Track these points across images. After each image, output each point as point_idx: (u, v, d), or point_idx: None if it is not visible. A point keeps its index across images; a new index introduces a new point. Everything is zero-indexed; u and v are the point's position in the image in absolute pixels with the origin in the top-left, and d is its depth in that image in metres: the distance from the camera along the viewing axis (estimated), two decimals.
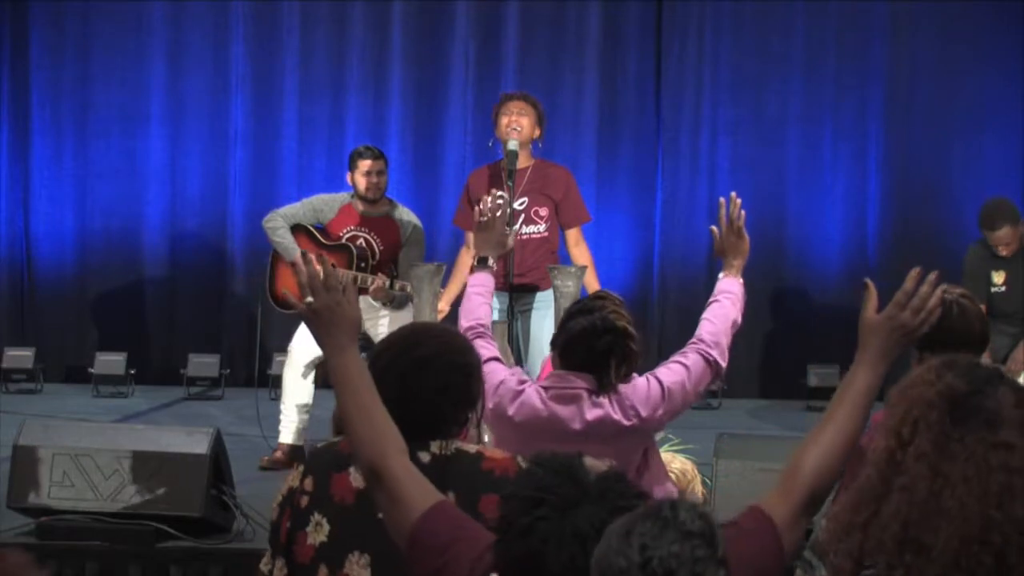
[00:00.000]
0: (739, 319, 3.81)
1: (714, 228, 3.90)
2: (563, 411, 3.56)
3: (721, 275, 3.89)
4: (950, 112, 8.60)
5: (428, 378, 2.75)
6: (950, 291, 3.88)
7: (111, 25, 8.80)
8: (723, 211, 3.86)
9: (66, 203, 8.84)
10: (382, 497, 2.36)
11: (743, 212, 3.85)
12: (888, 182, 8.64)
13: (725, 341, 3.75)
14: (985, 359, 6.29)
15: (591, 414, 3.55)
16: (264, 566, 2.80)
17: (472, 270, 4.14)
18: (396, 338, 2.85)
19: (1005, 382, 2.11)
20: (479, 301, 3.96)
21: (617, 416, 3.55)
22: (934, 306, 2.42)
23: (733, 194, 3.88)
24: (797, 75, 8.66)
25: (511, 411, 3.58)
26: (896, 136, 8.63)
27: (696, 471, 4.96)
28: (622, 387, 3.58)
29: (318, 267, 2.49)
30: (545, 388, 3.60)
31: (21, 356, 8.42)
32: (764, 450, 4.80)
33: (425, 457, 2.72)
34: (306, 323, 2.49)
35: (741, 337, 8.60)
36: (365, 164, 6.60)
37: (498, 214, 4.20)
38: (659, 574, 1.81)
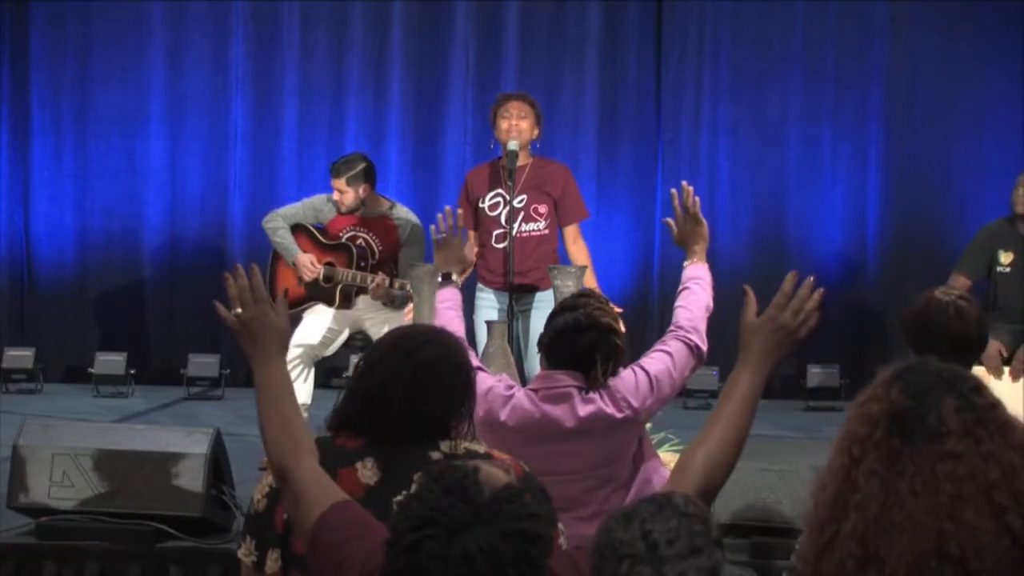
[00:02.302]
0: (711, 303, 3.86)
1: (668, 220, 3.99)
2: (555, 411, 3.57)
3: (686, 263, 3.93)
4: (950, 112, 8.60)
5: (434, 381, 2.78)
6: (948, 292, 3.87)
7: (111, 25, 8.80)
8: (676, 201, 3.93)
9: (66, 203, 8.84)
10: (289, 497, 2.45)
11: (697, 199, 3.93)
12: (888, 182, 8.64)
13: (702, 326, 3.79)
14: (993, 350, 6.28)
15: (583, 410, 3.55)
16: (246, 556, 2.81)
17: (439, 286, 4.22)
18: (393, 344, 2.87)
19: (950, 389, 2.11)
20: (451, 315, 4.05)
21: (610, 410, 3.56)
22: (812, 308, 2.48)
23: (684, 183, 3.94)
24: (797, 75, 8.66)
25: (503, 416, 3.59)
26: (896, 136, 8.63)
27: None
28: (610, 380, 3.60)
29: (246, 280, 2.55)
30: (534, 390, 3.62)
31: (21, 356, 8.42)
32: (764, 450, 4.79)
33: (436, 457, 2.75)
34: (234, 333, 2.54)
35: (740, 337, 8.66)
36: (333, 183, 6.63)
37: (452, 232, 4.27)
38: (660, 544, 1.87)
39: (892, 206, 8.64)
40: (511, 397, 3.61)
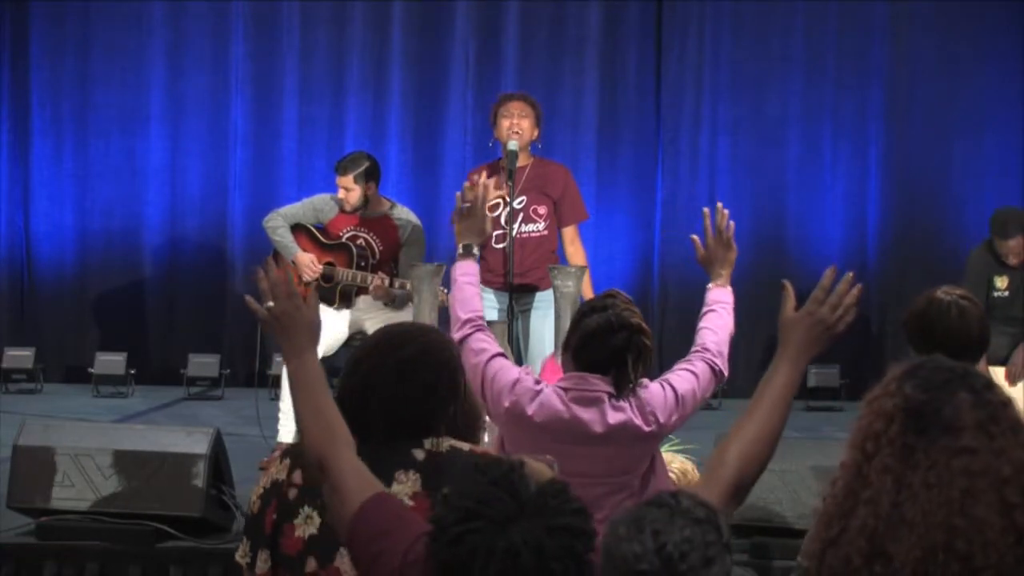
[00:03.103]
0: (733, 329, 3.83)
1: (695, 238, 3.89)
2: (585, 414, 3.54)
3: (711, 284, 3.88)
4: (950, 112, 8.61)
5: (414, 379, 2.78)
6: (950, 292, 3.86)
7: (111, 25, 8.80)
8: (708, 221, 3.85)
9: (66, 203, 8.84)
10: (326, 488, 2.44)
11: (732, 222, 3.84)
12: (888, 182, 8.65)
13: (726, 351, 3.77)
14: (982, 367, 6.29)
15: (613, 418, 3.54)
16: (242, 558, 2.82)
17: (457, 259, 4.09)
18: (375, 343, 2.87)
19: (964, 385, 2.11)
20: (472, 291, 3.92)
21: (638, 421, 3.55)
22: (851, 303, 2.48)
23: (719, 204, 3.88)
24: (797, 75, 8.67)
25: (530, 411, 3.56)
26: (896, 136, 8.63)
27: (696, 471, 4.96)
28: (641, 393, 3.58)
29: (279, 273, 2.56)
30: (564, 389, 3.58)
31: (21, 356, 8.42)
32: None
33: (420, 454, 2.75)
34: (265, 327, 2.55)
35: (741, 337, 8.66)
36: (338, 180, 6.63)
37: (480, 202, 4.14)
38: (674, 558, 1.86)
39: (892, 206, 8.64)
40: (539, 392, 3.59)
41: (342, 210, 6.66)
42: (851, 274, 2.52)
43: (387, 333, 2.90)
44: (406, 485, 2.71)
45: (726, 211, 3.85)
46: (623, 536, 1.89)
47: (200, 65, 8.79)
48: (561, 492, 2.06)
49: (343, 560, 2.70)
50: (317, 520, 2.73)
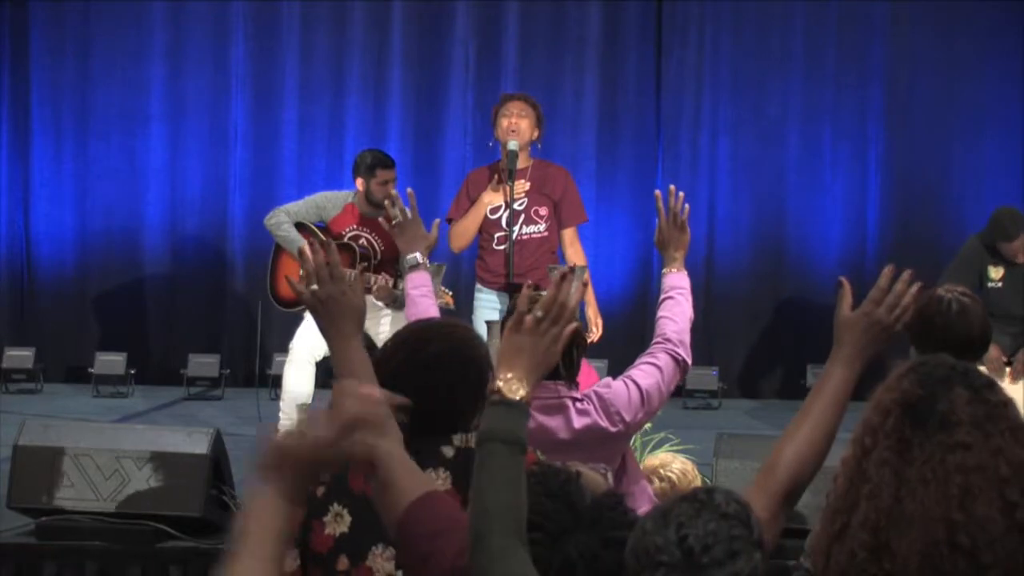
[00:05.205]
0: (692, 314, 3.79)
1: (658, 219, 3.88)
2: (550, 421, 3.53)
3: (665, 270, 3.85)
4: (950, 112, 8.61)
5: (443, 375, 2.77)
6: (950, 290, 3.86)
7: (111, 25, 8.81)
8: (660, 203, 3.84)
9: (66, 203, 8.84)
10: (376, 485, 2.37)
11: (686, 206, 3.84)
12: (888, 182, 8.65)
13: (688, 339, 3.73)
14: (994, 352, 6.27)
15: (579, 423, 3.52)
16: None
17: (406, 272, 3.97)
18: (405, 337, 2.86)
19: (962, 381, 2.11)
20: (426, 304, 3.86)
21: (604, 423, 3.54)
22: (909, 303, 2.45)
23: (672, 187, 3.88)
24: (797, 75, 8.67)
25: None
26: (896, 136, 8.64)
27: (696, 471, 4.96)
28: (605, 393, 3.56)
29: (325, 257, 2.52)
30: None
31: (21, 356, 8.42)
32: (764, 450, 4.76)
33: (449, 451, 2.74)
34: (311, 311, 2.51)
35: (740, 337, 8.67)
36: (385, 174, 6.60)
37: (408, 214, 4.00)
38: (696, 550, 1.84)
39: (892, 206, 8.64)
40: None
41: (373, 204, 6.59)
42: (909, 272, 2.49)
43: (413, 331, 2.89)
44: (436, 483, 2.70)
45: (681, 194, 3.85)
46: (648, 529, 1.88)
47: (200, 65, 8.79)
48: (617, 504, 2.04)
49: (375, 559, 2.69)
50: (347, 518, 2.72)
